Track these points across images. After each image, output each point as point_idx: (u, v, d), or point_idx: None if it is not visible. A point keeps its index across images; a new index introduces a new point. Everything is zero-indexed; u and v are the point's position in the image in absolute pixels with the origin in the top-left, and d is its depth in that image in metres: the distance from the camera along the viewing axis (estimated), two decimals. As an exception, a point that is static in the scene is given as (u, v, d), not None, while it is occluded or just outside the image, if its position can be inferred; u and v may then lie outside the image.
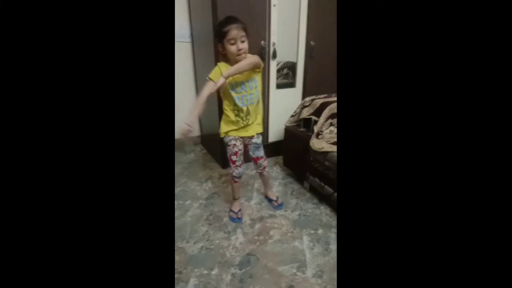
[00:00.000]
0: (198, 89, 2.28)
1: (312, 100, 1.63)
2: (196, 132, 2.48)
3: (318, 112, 1.56)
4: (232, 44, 1.09)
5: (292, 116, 1.78)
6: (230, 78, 1.13)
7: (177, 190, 1.74)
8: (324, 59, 2.04)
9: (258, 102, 1.24)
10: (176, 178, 1.88)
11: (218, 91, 1.21)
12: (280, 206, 1.54)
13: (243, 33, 1.09)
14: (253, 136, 1.31)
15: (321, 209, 1.53)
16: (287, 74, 2.04)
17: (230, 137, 1.29)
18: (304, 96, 2.03)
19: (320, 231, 1.36)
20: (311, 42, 1.93)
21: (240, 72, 1.12)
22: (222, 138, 1.32)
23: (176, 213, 1.51)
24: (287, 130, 1.78)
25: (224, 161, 1.96)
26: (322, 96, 1.67)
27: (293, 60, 1.98)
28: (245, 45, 1.10)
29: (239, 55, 1.10)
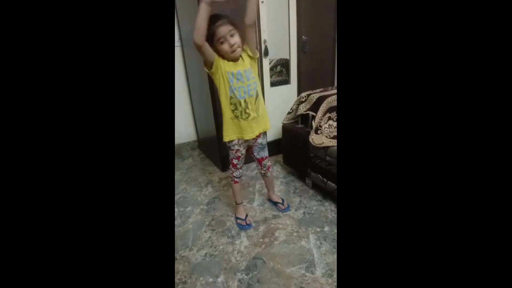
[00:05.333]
0: (191, 93, 2.25)
1: (308, 95, 1.59)
2: (193, 136, 2.44)
3: (315, 107, 1.53)
4: (222, 42, 1.03)
5: (289, 113, 1.74)
6: (227, 68, 1.07)
7: (177, 197, 1.70)
8: (317, 53, 2.01)
9: (257, 96, 1.17)
10: (176, 185, 1.84)
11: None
12: (287, 209, 1.48)
13: (230, 27, 1.03)
14: (258, 136, 1.25)
15: (326, 205, 1.49)
16: (280, 71, 2.01)
17: (234, 141, 1.24)
18: (299, 92, 2.00)
19: (326, 229, 1.32)
20: (303, 37, 1.90)
21: (198, 18, 0.96)
22: (225, 142, 1.25)
23: (178, 221, 1.46)
24: (285, 127, 1.75)
25: (223, 164, 1.93)
26: (318, 90, 1.63)
27: (286, 56, 1.95)
28: (236, 39, 1.05)
29: (233, 51, 1.05)
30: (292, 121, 1.73)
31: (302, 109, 1.60)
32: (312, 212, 1.45)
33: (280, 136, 1.84)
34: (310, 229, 1.33)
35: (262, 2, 1.67)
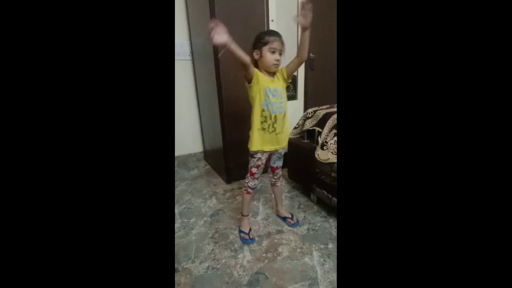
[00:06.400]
0: (199, 105, 2.29)
1: (315, 111, 1.62)
2: (199, 147, 2.46)
3: (321, 123, 1.55)
4: (273, 52, 1.14)
5: (295, 128, 1.76)
6: (266, 83, 1.16)
7: (181, 208, 1.70)
8: (324, 70, 2.05)
9: (285, 115, 1.25)
10: (180, 195, 1.85)
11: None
12: (296, 223, 1.47)
13: (282, 47, 1.15)
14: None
15: (330, 222, 1.48)
16: (288, 87, 2.04)
17: (258, 151, 1.27)
18: (306, 107, 2.03)
19: (330, 246, 1.30)
20: (311, 54, 1.94)
21: (236, 54, 1.02)
22: (249, 149, 1.28)
23: (181, 232, 1.46)
24: (291, 142, 1.76)
25: (228, 175, 1.93)
26: (324, 106, 1.66)
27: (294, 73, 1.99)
28: (281, 58, 1.16)
29: (275, 65, 1.15)
30: (298, 135, 1.75)
31: (308, 124, 1.61)
32: (316, 228, 1.44)
33: (286, 151, 1.85)
34: (314, 245, 1.31)
35: (272, 20, 1.73)
